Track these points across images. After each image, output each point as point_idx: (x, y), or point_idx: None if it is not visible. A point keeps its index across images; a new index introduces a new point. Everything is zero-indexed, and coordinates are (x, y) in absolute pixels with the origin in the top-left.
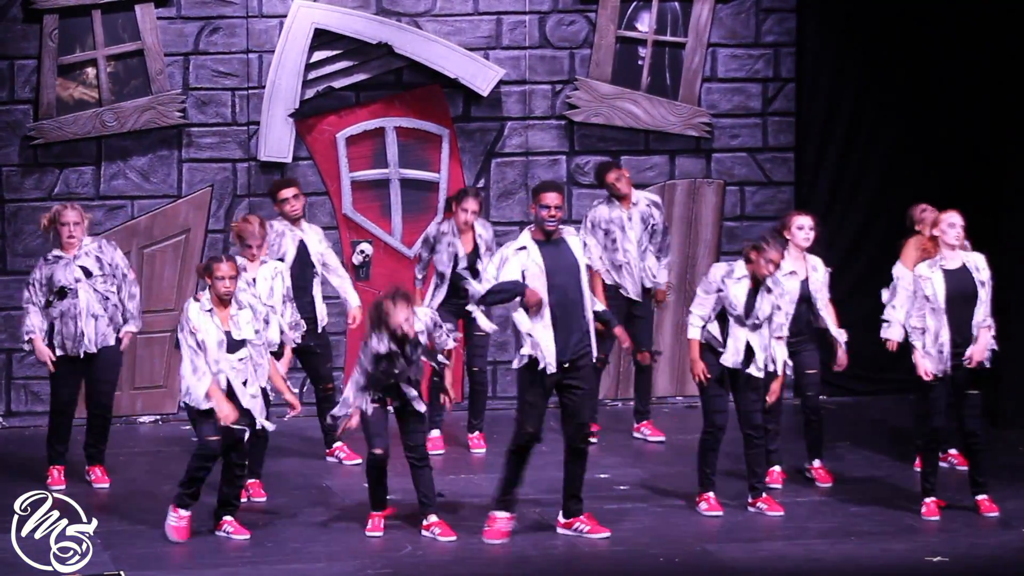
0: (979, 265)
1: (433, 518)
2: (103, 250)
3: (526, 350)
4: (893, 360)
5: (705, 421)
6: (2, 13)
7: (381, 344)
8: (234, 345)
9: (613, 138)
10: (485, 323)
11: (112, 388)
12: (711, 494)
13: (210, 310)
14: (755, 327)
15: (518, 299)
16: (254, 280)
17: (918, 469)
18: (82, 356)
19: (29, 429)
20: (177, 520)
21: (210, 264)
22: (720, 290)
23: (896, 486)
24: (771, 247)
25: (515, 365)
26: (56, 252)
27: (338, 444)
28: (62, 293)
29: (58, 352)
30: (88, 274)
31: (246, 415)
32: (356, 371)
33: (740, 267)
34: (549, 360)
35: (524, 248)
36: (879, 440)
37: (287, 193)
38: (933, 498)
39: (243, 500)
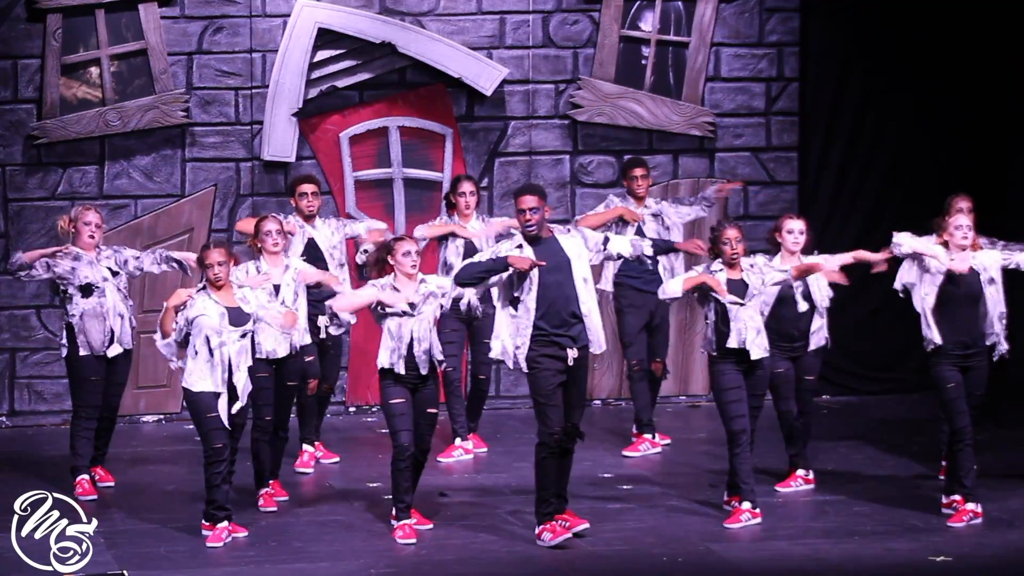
0: (986, 265)
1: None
2: (118, 250)
3: (510, 345)
4: (897, 360)
5: (727, 430)
6: (6, 12)
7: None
8: (238, 319)
9: (616, 137)
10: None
11: (122, 391)
12: (748, 504)
13: (204, 288)
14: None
15: (503, 275)
16: (276, 288)
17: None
18: (108, 356)
19: (32, 428)
20: (215, 533)
21: (201, 254)
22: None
23: (900, 486)
24: (726, 227)
25: (511, 364)
26: (75, 248)
27: (308, 449)
28: (88, 290)
29: (83, 352)
30: (114, 273)
31: (231, 392)
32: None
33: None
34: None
35: (520, 247)
36: (881, 439)
37: (307, 188)
38: (958, 496)
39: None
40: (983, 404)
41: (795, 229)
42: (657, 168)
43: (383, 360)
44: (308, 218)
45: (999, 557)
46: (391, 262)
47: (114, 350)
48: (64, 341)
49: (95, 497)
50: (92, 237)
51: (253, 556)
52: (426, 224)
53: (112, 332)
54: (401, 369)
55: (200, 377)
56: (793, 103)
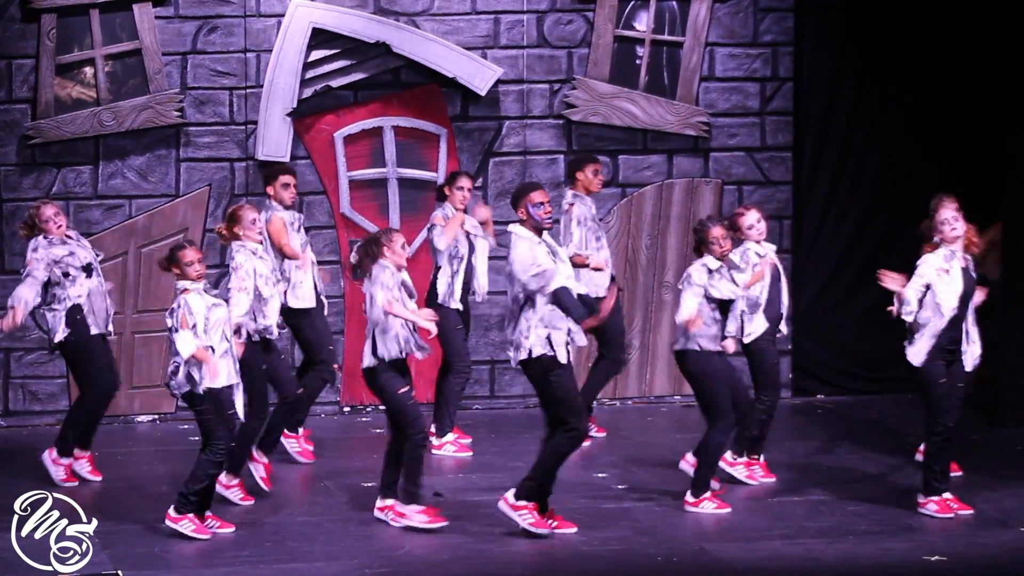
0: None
1: (389, 501)
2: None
3: (561, 345)
4: (892, 359)
5: (722, 421)
6: (1, 13)
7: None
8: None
9: (611, 137)
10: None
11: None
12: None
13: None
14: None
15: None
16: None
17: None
18: (106, 335)
19: (27, 428)
20: (196, 524)
21: (175, 255)
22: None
23: (894, 485)
24: (710, 227)
25: (528, 355)
26: (53, 238)
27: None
28: (89, 269)
29: (93, 331)
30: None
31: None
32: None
33: (707, 261)
34: (580, 338)
35: (532, 238)
36: (878, 439)
37: (289, 179)
38: (945, 496)
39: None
40: (967, 400)
41: (754, 222)
42: (652, 168)
43: (392, 351)
44: (289, 208)
45: (994, 557)
46: (388, 255)
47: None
48: (65, 328)
49: (76, 484)
50: (60, 227)
51: (248, 556)
52: (441, 234)
53: (110, 308)
54: (413, 348)
55: (220, 372)
56: (788, 103)
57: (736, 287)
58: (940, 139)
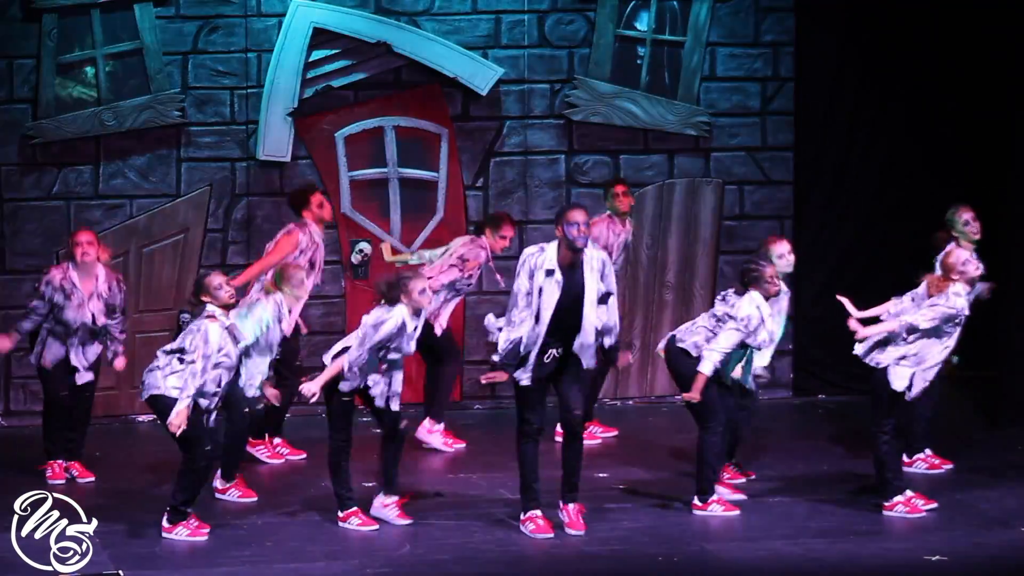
0: None
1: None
2: (113, 293)
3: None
4: None
5: (714, 421)
6: (1, 12)
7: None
8: (236, 337)
9: (612, 137)
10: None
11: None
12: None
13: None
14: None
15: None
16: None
17: (925, 468)
18: (77, 383)
19: (28, 428)
20: (193, 528)
21: (202, 284)
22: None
23: None
24: (765, 267)
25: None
26: (73, 279)
27: (279, 440)
28: (72, 330)
29: (32, 360)
30: (94, 320)
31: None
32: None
33: (756, 297)
34: (526, 378)
35: (552, 273)
36: None
37: (321, 198)
38: (908, 493)
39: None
40: (966, 400)
41: (784, 252)
42: (653, 168)
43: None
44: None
45: (995, 556)
46: (404, 301)
47: (83, 378)
48: (33, 345)
49: (62, 482)
50: (86, 255)
51: (249, 556)
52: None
53: (70, 360)
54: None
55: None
56: (788, 103)
57: (766, 338)
58: (940, 139)
